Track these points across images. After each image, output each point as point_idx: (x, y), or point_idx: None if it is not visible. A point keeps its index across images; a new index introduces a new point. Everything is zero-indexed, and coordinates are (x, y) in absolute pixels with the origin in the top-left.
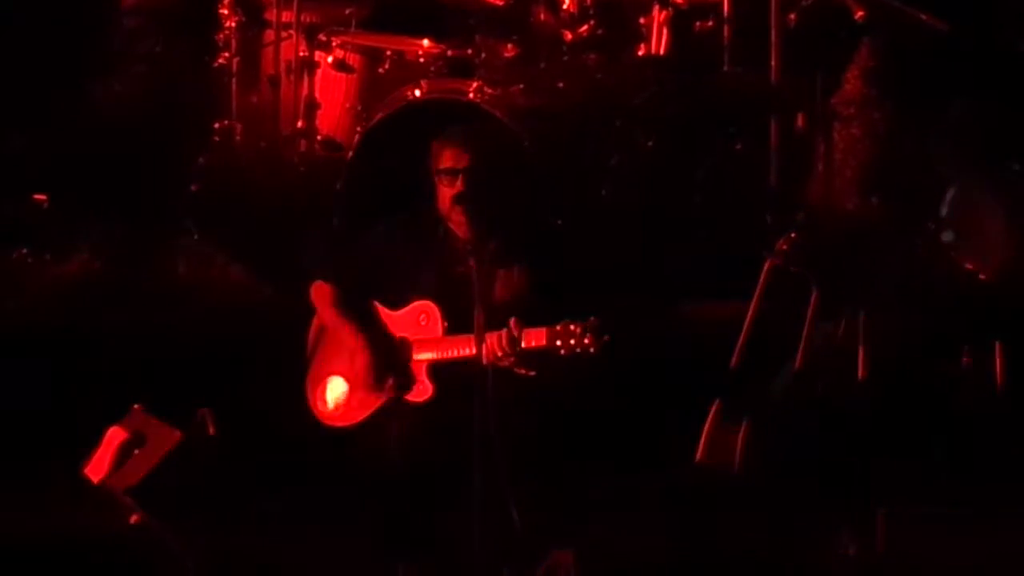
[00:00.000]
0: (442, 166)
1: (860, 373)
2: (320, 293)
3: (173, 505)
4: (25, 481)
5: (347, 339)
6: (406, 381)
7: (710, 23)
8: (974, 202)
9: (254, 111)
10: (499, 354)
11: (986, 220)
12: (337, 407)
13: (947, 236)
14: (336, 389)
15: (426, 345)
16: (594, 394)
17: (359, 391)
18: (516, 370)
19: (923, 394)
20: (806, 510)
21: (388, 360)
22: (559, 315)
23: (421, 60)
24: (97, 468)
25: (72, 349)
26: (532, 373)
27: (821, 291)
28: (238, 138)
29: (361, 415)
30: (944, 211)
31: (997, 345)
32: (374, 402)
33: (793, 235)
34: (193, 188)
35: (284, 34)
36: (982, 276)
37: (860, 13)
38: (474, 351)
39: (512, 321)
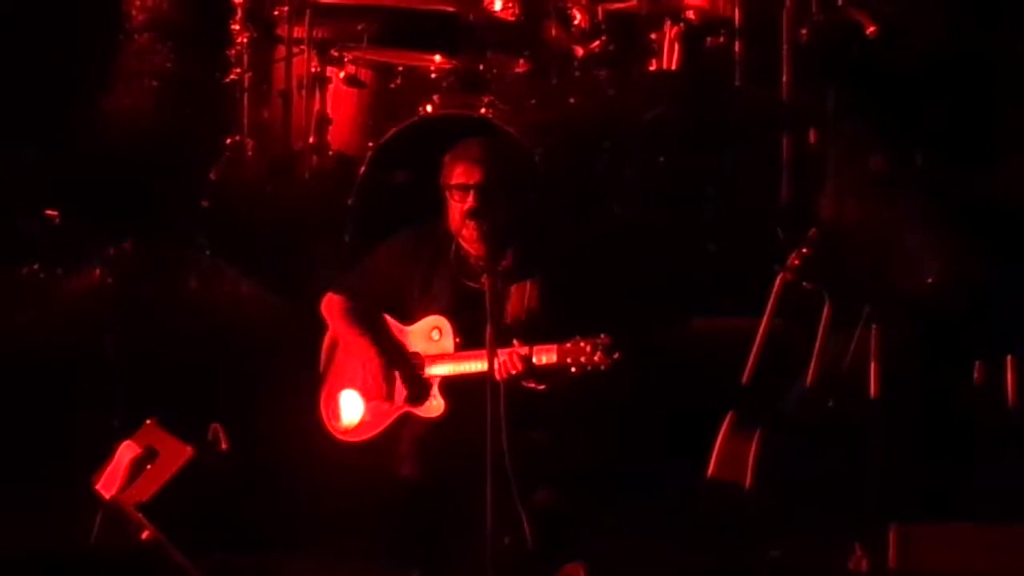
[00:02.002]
0: (454, 181)
1: (872, 388)
2: (331, 305)
3: (185, 521)
4: (36, 496)
5: (359, 350)
6: (420, 391)
7: (721, 39)
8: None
9: (266, 126)
10: (511, 371)
11: (907, 233)
12: (350, 422)
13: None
14: (349, 404)
15: (438, 360)
16: (606, 409)
17: (372, 403)
18: (527, 384)
19: (935, 408)
20: (818, 526)
21: (401, 370)
22: (571, 330)
23: (433, 75)
24: (109, 483)
25: (84, 364)
26: (543, 387)
27: (833, 306)
28: (250, 153)
29: (374, 430)
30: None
31: (1009, 358)
32: (387, 417)
33: (805, 250)
34: (204, 203)
35: (296, 50)
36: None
37: (872, 28)
38: (486, 367)
39: (517, 342)
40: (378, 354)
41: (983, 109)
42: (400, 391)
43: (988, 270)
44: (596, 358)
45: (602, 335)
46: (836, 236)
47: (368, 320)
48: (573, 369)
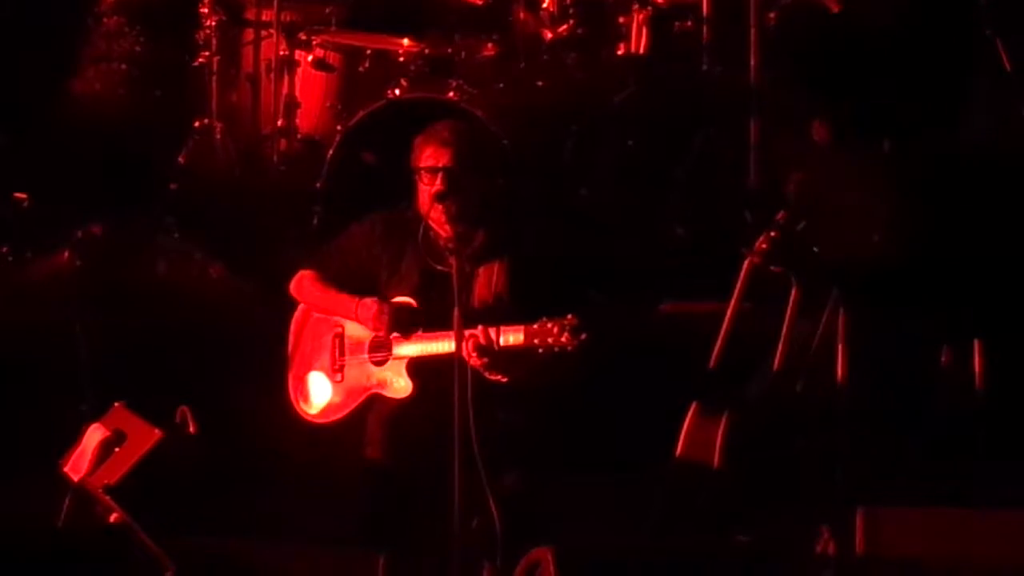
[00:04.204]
0: (422, 164)
1: (839, 371)
2: (302, 280)
3: (153, 504)
4: (4, 479)
5: (343, 310)
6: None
7: (689, 23)
8: (829, 185)
9: (234, 110)
10: (474, 359)
11: (846, 202)
12: (318, 404)
13: (800, 225)
14: (317, 386)
15: (406, 342)
16: (573, 391)
17: (343, 383)
18: (489, 375)
19: (902, 391)
20: (785, 509)
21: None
22: (538, 313)
23: (401, 59)
24: (77, 466)
25: (52, 346)
26: (505, 379)
27: (801, 289)
28: (218, 137)
29: (342, 412)
30: (792, 198)
31: (976, 342)
32: (355, 399)
33: (773, 233)
34: (173, 187)
35: (264, 33)
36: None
37: (837, 11)
38: (453, 348)
39: (481, 328)
40: (372, 300)
41: (933, 77)
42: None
43: (949, 249)
44: (563, 339)
45: (569, 316)
46: (804, 218)
47: (341, 285)
48: (540, 350)
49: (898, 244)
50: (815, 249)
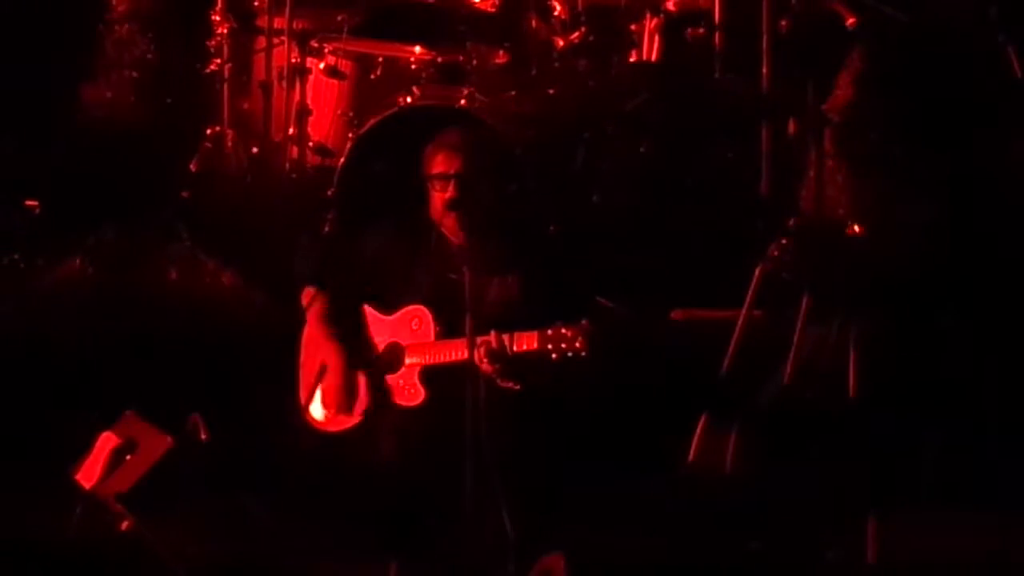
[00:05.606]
0: (434, 172)
1: (851, 379)
2: (310, 300)
3: (164, 511)
4: (16, 486)
5: (325, 354)
6: (381, 401)
7: (701, 30)
8: (889, 194)
9: (246, 117)
10: (486, 365)
11: (905, 211)
12: (329, 411)
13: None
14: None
15: (418, 349)
16: (585, 398)
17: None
18: (501, 383)
19: (913, 399)
20: (796, 515)
21: (366, 376)
22: (551, 321)
23: (413, 67)
24: (88, 474)
25: (64, 355)
26: (517, 387)
27: (812, 297)
28: (229, 144)
29: (352, 420)
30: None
31: (988, 349)
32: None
33: (784, 241)
34: (184, 194)
35: (276, 40)
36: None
37: (851, 20)
38: (466, 356)
39: (493, 334)
40: (341, 366)
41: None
42: (361, 401)
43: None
44: (576, 344)
45: (583, 321)
46: (816, 226)
47: (343, 324)
48: (553, 356)
49: (921, 253)
50: (828, 255)
